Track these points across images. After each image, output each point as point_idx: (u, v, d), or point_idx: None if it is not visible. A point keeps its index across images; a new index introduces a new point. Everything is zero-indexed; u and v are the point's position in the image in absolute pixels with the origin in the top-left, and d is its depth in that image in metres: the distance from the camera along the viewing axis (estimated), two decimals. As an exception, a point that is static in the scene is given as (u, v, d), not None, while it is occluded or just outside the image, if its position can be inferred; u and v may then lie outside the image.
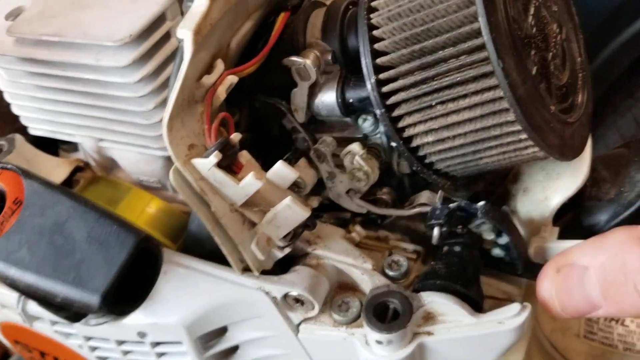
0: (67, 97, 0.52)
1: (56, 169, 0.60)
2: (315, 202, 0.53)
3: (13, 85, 0.55)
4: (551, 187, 0.51)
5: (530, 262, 0.50)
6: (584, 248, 0.43)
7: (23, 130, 0.61)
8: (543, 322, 0.68)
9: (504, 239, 0.49)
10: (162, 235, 0.58)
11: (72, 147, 0.64)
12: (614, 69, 1.22)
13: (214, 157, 0.43)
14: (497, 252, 0.50)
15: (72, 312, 0.45)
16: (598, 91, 1.26)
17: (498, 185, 0.56)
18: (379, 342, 0.46)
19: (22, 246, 0.36)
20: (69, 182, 0.61)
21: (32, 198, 0.37)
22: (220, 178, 0.44)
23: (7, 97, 0.57)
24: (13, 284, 0.36)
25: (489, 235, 0.49)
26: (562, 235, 0.52)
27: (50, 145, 0.64)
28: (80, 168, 0.61)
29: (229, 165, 0.45)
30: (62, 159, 0.62)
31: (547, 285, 0.44)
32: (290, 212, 0.45)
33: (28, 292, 0.36)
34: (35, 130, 0.60)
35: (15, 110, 0.58)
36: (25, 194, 0.38)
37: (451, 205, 0.47)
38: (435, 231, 0.47)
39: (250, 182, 0.44)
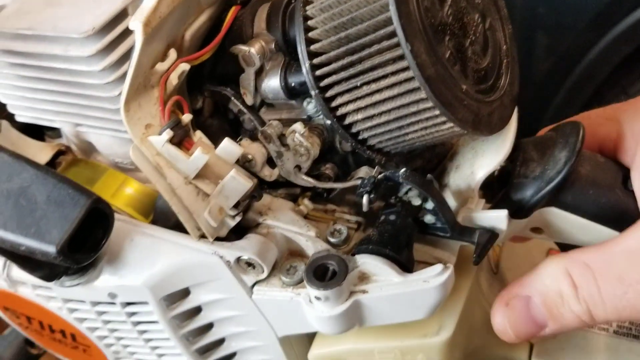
0: (44, 85, 0.58)
1: (40, 152, 0.66)
2: (276, 171, 0.58)
3: (-2, 76, 0.61)
4: (477, 163, 0.56)
5: (460, 225, 0.55)
6: (523, 282, 0.54)
7: (11, 117, 0.67)
8: (489, 295, 0.73)
9: (429, 204, 0.54)
10: (135, 211, 0.64)
11: (56, 133, 0.70)
12: (607, 65, 1.24)
13: (166, 135, 0.49)
14: (428, 218, 0.56)
15: (45, 271, 0.52)
16: (591, 87, 1.29)
17: (437, 164, 0.62)
18: (318, 299, 0.52)
19: (-7, 208, 0.42)
20: (52, 164, 0.67)
21: (2, 167, 0.44)
22: (173, 153, 0.50)
23: (-6, 87, 0.63)
24: (-14, 240, 0.42)
25: (417, 201, 0.54)
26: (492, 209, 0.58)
27: (37, 132, 0.71)
28: (62, 152, 0.68)
29: (180, 141, 0.51)
30: (46, 143, 0.68)
31: (499, 319, 0.55)
32: (235, 183, 0.51)
33: (-2, 246, 0.42)
34: (21, 117, 0.66)
35: (1, 98, 0.64)
36: (-5, 164, 0.44)
37: (379, 175, 0.53)
38: (364, 199, 0.53)
39: (198, 156, 0.50)
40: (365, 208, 0.53)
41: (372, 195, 0.52)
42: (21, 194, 0.42)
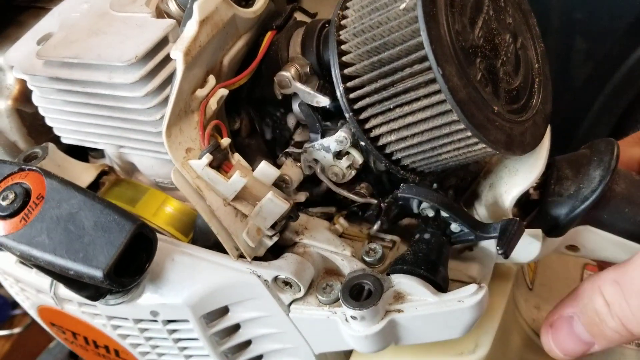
0: (89, 110, 0.60)
1: (84, 173, 0.69)
2: (302, 197, 0.60)
3: (44, 101, 0.64)
4: (510, 182, 0.57)
5: (479, 222, 0.55)
6: (564, 303, 0.56)
7: (57, 139, 0.70)
8: (525, 311, 0.73)
9: (444, 212, 0.54)
10: (175, 230, 0.66)
11: (99, 153, 0.73)
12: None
13: (206, 159, 0.51)
14: (454, 226, 0.56)
15: (91, 292, 0.54)
16: (631, 93, 1.27)
17: (470, 181, 0.62)
18: (354, 318, 0.53)
19: (43, 232, 0.44)
20: (95, 184, 0.70)
21: (52, 194, 0.46)
22: (212, 176, 0.52)
23: (41, 111, 0.66)
24: (36, 263, 0.44)
25: (430, 213, 0.55)
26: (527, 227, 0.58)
27: (82, 153, 0.73)
28: (105, 172, 0.70)
29: (220, 165, 0.52)
30: (90, 164, 0.71)
31: (545, 339, 0.57)
32: (273, 205, 0.52)
33: (47, 269, 0.44)
34: (66, 139, 0.68)
35: (48, 122, 0.67)
36: (46, 190, 0.46)
37: (386, 199, 0.54)
38: (376, 225, 0.57)
39: (237, 180, 0.51)
40: (372, 232, 0.57)
41: (382, 218, 0.54)
42: (70, 220, 0.44)
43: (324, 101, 0.55)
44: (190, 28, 0.49)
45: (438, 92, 0.48)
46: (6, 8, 0.74)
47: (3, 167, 0.48)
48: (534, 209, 0.60)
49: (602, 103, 1.28)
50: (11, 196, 0.46)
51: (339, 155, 0.57)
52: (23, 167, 0.48)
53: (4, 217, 0.46)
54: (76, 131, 0.66)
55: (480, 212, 0.59)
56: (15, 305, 1.24)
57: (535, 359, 0.67)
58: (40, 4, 0.75)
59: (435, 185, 0.56)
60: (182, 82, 0.49)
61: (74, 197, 0.45)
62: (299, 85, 0.54)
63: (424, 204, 0.55)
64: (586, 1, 1.17)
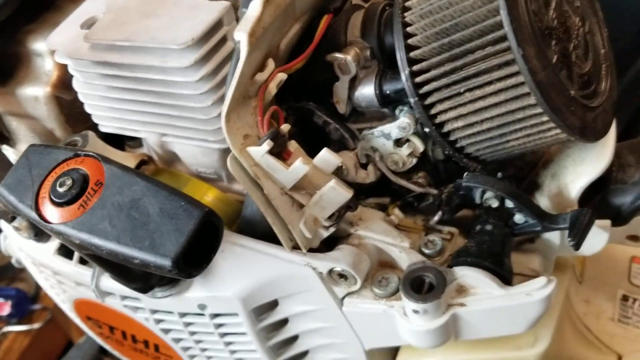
0: (135, 96, 0.58)
1: (124, 162, 0.66)
2: (372, 174, 0.57)
3: (86, 87, 0.62)
4: (576, 172, 0.55)
5: (547, 213, 0.53)
6: None
7: (94, 127, 0.67)
8: (576, 305, 0.72)
9: (510, 203, 0.52)
10: (219, 221, 0.64)
11: (137, 142, 0.71)
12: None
13: (266, 145, 0.49)
14: (518, 217, 0.54)
15: (141, 283, 0.52)
16: (639, 97, 1.26)
17: (528, 171, 0.60)
18: (416, 312, 0.51)
19: (104, 220, 0.42)
20: (135, 174, 0.67)
21: (112, 180, 0.43)
22: (272, 164, 0.50)
23: (81, 97, 0.64)
24: (97, 252, 0.42)
25: (495, 203, 0.53)
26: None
27: (117, 142, 0.71)
28: (145, 161, 0.68)
29: (279, 152, 0.50)
30: (129, 153, 0.68)
31: None
32: (335, 193, 0.50)
33: (110, 258, 0.42)
34: (105, 127, 0.66)
35: (87, 109, 0.65)
36: (105, 176, 0.44)
37: (446, 189, 0.52)
38: (437, 216, 0.55)
39: (298, 167, 0.49)
40: (433, 223, 0.55)
41: (444, 208, 0.52)
42: (132, 207, 0.41)
43: (342, 109, 0.54)
44: (255, 8, 0.47)
45: (515, 74, 0.45)
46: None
47: (58, 152, 0.46)
48: (592, 198, 0.58)
49: None
50: (68, 182, 0.44)
51: (398, 142, 0.55)
52: (79, 152, 0.46)
53: (61, 204, 0.43)
54: (118, 119, 0.64)
55: (542, 202, 0.57)
56: (34, 300, 1.22)
57: (587, 353, 0.65)
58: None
59: (500, 174, 0.54)
60: (244, 65, 0.46)
61: (136, 183, 0.42)
62: (346, 79, 0.53)
63: (488, 194, 0.53)
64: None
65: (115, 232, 0.41)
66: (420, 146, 0.54)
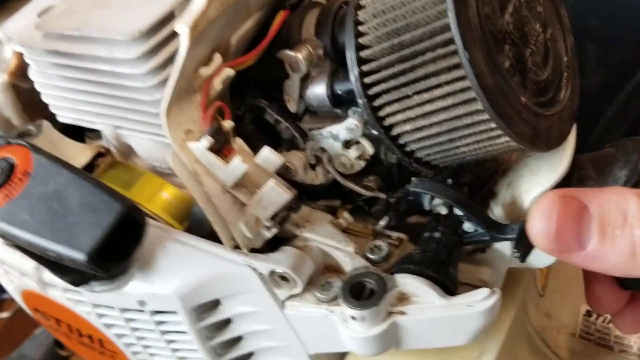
0: (87, 86, 0.57)
1: (80, 153, 0.65)
2: (320, 175, 0.56)
3: (41, 76, 0.60)
4: (531, 181, 0.53)
5: (495, 222, 0.52)
6: (585, 190, 0.44)
7: (53, 118, 0.66)
8: (536, 319, 0.70)
9: (458, 210, 0.51)
10: (170, 217, 0.62)
11: (97, 134, 0.69)
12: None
13: (206, 141, 0.47)
14: (467, 226, 0.52)
15: (75, 277, 0.51)
16: None
17: (487, 179, 0.59)
18: (354, 318, 0.49)
19: (26, 210, 0.40)
20: (91, 165, 0.66)
21: (39, 170, 0.42)
22: (212, 161, 0.48)
23: (37, 87, 0.63)
24: (18, 242, 0.41)
25: (443, 210, 0.52)
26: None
27: (78, 133, 0.70)
28: (102, 154, 0.67)
29: (220, 149, 0.49)
30: (86, 144, 0.67)
31: (549, 205, 0.44)
32: (274, 193, 0.49)
33: (30, 249, 0.40)
34: (62, 117, 0.65)
35: (44, 98, 0.64)
36: (33, 166, 0.43)
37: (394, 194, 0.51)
38: (383, 221, 0.53)
39: (237, 165, 0.48)
40: (379, 228, 0.53)
41: (390, 214, 0.51)
42: (55, 198, 0.40)
43: (293, 109, 0.53)
44: (199, 1, 0.46)
45: (462, 78, 0.44)
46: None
47: (-13, 140, 0.44)
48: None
49: (614, 111, 1.26)
50: (-6, 171, 0.42)
51: (347, 144, 0.53)
52: (10, 141, 0.45)
53: (-15, 192, 0.42)
54: (73, 109, 0.62)
55: (497, 212, 0.55)
56: (2, 289, 1.20)
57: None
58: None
59: (450, 181, 0.53)
60: (186, 58, 0.45)
61: (61, 174, 0.41)
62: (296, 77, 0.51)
63: (437, 200, 0.52)
64: (601, 7, 1.16)
65: (34, 224, 0.40)
66: (369, 149, 0.53)
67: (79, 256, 0.38)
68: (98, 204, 0.39)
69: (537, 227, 0.44)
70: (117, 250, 0.40)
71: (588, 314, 0.74)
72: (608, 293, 0.57)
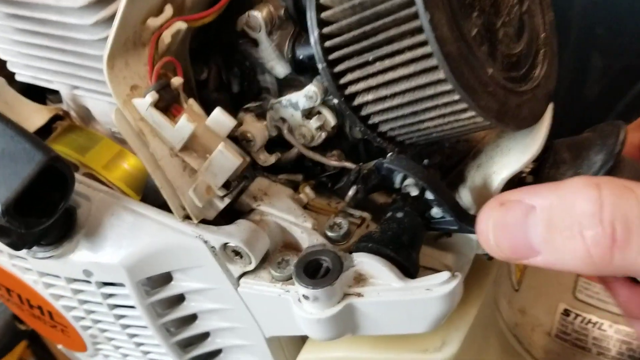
0: (39, 40, 0.54)
1: (35, 114, 0.62)
2: (272, 158, 0.53)
3: (-5, 28, 0.57)
4: (501, 162, 0.50)
5: (466, 213, 0.49)
6: (537, 188, 0.40)
7: (12, 77, 0.63)
8: (509, 314, 0.67)
9: (429, 194, 0.48)
10: (127, 187, 0.59)
11: (58, 97, 0.66)
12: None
13: (150, 97, 0.44)
14: (434, 211, 0.49)
15: (12, 238, 0.48)
16: None
17: (457, 161, 0.56)
18: (306, 298, 0.46)
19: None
20: (48, 128, 0.63)
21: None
22: (157, 119, 0.45)
23: (-8, 41, 0.60)
24: None
25: (414, 191, 0.48)
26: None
27: (40, 95, 0.67)
28: (60, 117, 0.64)
29: (167, 107, 0.46)
30: (44, 106, 0.64)
31: (486, 215, 0.41)
32: (223, 158, 0.46)
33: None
34: (19, 76, 0.62)
35: (1, 54, 0.61)
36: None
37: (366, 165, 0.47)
38: (350, 191, 0.48)
39: (184, 125, 0.45)
40: (347, 199, 0.48)
41: (358, 186, 0.47)
42: (-25, 145, 0.37)
43: (281, 72, 0.48)
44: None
45: (424, 43, 0.41)
46: None
47: None
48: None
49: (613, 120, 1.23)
50: None
51: (309, 114, 0.50)
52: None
53: None
54: (28, 66, 0.59)
55: (464, 195, 0.52)
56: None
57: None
58: None
59: (426, 161, 0.49)
60: (129, 2, 0.42)
61: (-17, 120, 0.38)
62: (264, 37, 0.48)
63: (409, 180, 0.49)
64: (609, 16, 1.13)
65: (-50, 173, 0.37)
66: (331, 120, 0.50)
67: (-6, 208, 0.35)
68: (19, 153, 0.36)
69: (480, 238, 0.42)
70: (44, 206, 0.37)
71: (566, 312, 0.71)
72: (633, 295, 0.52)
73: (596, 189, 0.36)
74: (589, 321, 0.70)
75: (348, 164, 0.52)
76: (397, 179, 0.50)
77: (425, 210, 0.50)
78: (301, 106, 0.49)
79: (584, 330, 0.69)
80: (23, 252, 0.54)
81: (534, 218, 0.38)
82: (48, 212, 0.38)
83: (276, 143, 0.54)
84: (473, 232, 0.48)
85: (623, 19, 1.11)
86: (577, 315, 0.71)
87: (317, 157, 0.52)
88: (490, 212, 0.41)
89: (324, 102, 0.49)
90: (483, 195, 0.51)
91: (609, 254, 0.36)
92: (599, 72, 1.21)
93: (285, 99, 0.50)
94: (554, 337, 0.69)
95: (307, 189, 0.54)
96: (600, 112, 1.24)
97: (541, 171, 0.52)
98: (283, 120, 0.51)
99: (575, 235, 0.36)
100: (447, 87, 0.42)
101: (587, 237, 0.36)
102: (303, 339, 0.60)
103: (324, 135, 0.51)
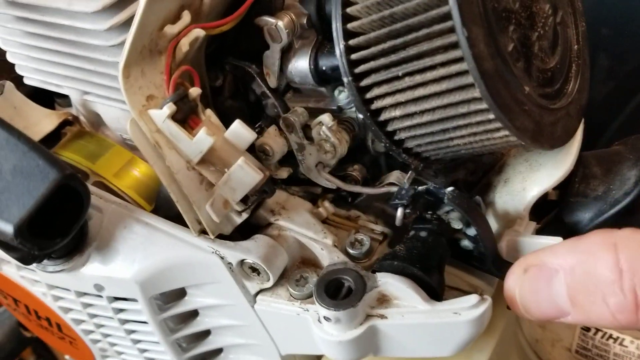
0: (49, 44, 0.52)
1: (45, 119, 0.60)
2: (284, 172, 0.51)
3: (4, 31, 0.55)
4: (530, 178, 0.48)
5: (500, 259, 0.47)
6: (557, 249, 0.41)
7: (20, 80, 0.61)
8: (530, 329, 0.65)
9: (472, 230, 0.46)
10: (138, 196, 0.57)
11: (67, 101, 0.64)
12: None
13: (167, 108, 0.42)
14: (465, 243, 0.47)
15: (22, 253, 0.46)
16: None
17: (482, 176, 0.54)
18: (327, 319, 0.44)
19: (-43, 175, 0.36)
20: (57, 133, 0.61)
21: (-25, 130, 0.37)
22: (175, 131, 0.43)
23: (1, 44, 0.58)
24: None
25: (457, 225, 0.46)
26: (542, 233, 0.49)
27: (49, 100, 0.65)
28: (69, 122, 0.62)
29: (185, 119, 0.44)
30: (53, 111, 0.62)
31: (512, 283, 0.43)
32: (243, 173, 0.44)
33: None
34: (28, 79, 0.60)
35: (9, 57, 0.59)
36: (-30, 126, 0.38)
37: (419, 187, 0.45)
38: (399, 212, 0.45)
39: (203, 138, 0.43)
40: (398, 222, 0.45)
41: (408, 209, 0.45)
42: (-15, 161, 0.35)
43: (272, 83, 0.48)
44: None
45: (459, 60, 0.39)
46: None
47: None
48: (550, 212, 0.52)
49: (621, 122, 1.22)
50: None
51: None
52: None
53: None
54: (37, 70, 0.57)
55: (489, 213, 0.50)
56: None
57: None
58: None
59: (478, 198, 0.48)
60: (146, 9, 0.40)
61: (-5, 134, 0.36)
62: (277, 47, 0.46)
63: (455, 214, 0.46)
64: (615, 17, 1.12)
65: (-39, 189, 0.35)
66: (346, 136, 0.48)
67: (6, 228, 0.33)
68: (32, 170, 0.34)
69: (510, 304, 0.43)
70: (59, 225, 0.35)
71: (586, 328, 0.69)
72: None
73: (613, 252, 0.37)
74: (610, 336, 0.68)
75: (365, 190, 0.50)
76: (444, 208, 0.48)
77: (452, 235, 0.48)
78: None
79: (605, 346, 0.68)
80: (32, 265, 0.52)
81: (559, 283, 0.40)
82: (61, 228, 0.36)
83: (291, 155, 0.52)
84: (499, 275, 0.46)
85: (628, 19, 1.10)
86: (597, 330, 0.69)
87: (335, 182, 0.50)
88: (515, 281, 0.42)
89: (347, 116, 0.47)
90: (511, 213, 0.49)
91: (634, 318, 0.37)
92: (604, 73, 1.20)
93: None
94: (574, 353, 0.67)
95: (327, 203, 0.52)
96: (607, 114, 1.22)
97: (570, 185, 0.50)
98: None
99: (600, 302, 0.38)
100: (482, 105, 0.40)
101: (611, 305, 0.37)
102: (319, 356, 0.58)
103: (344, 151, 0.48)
